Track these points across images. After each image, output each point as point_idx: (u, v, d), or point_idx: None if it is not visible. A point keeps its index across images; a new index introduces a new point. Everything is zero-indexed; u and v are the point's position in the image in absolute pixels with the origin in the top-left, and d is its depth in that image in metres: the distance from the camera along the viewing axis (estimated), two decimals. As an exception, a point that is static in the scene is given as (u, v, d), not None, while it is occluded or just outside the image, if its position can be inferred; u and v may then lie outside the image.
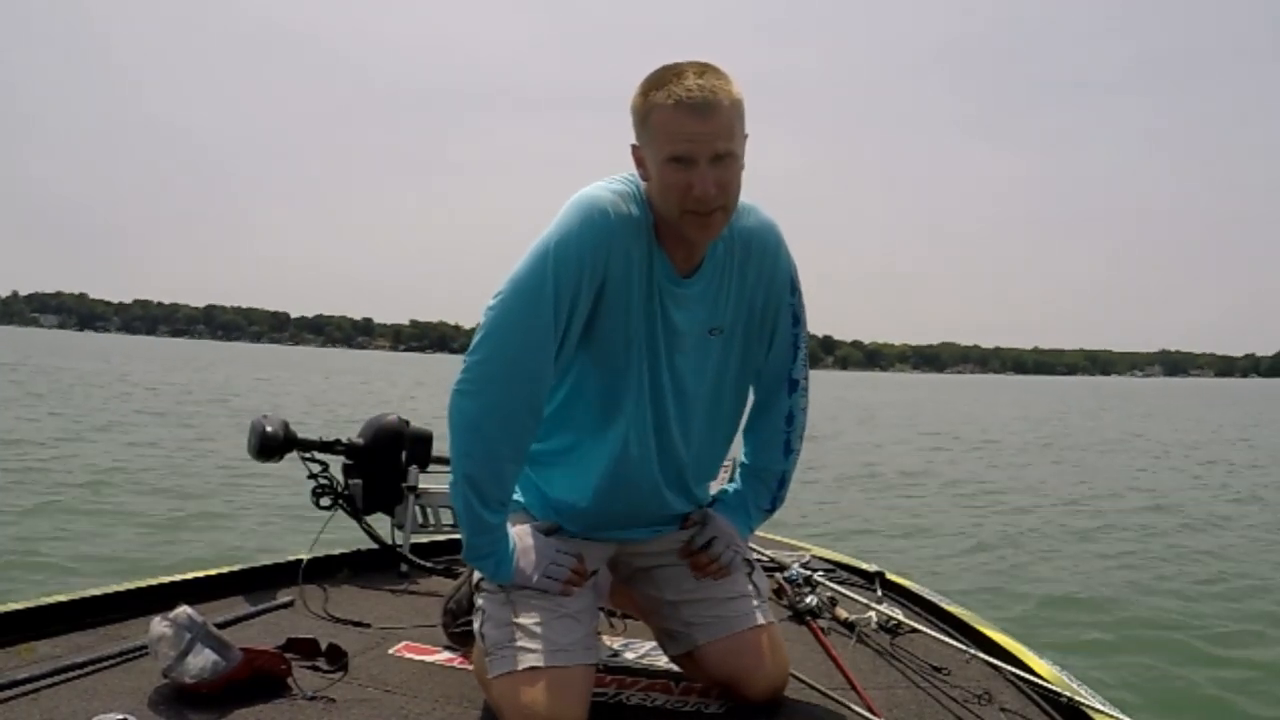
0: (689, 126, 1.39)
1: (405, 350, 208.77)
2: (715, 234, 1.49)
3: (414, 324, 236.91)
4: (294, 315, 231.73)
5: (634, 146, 1.49)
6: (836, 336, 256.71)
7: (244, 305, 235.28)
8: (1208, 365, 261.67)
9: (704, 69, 1.41)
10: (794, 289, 1.65)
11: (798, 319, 1.66)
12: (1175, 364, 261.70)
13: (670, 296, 1.53)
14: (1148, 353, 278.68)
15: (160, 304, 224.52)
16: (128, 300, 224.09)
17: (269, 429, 2.33)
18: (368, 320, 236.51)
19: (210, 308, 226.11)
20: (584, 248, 1.44)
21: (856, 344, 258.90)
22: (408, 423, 2.56)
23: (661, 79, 1.42)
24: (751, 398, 1.71)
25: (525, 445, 1.51)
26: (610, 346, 1.52)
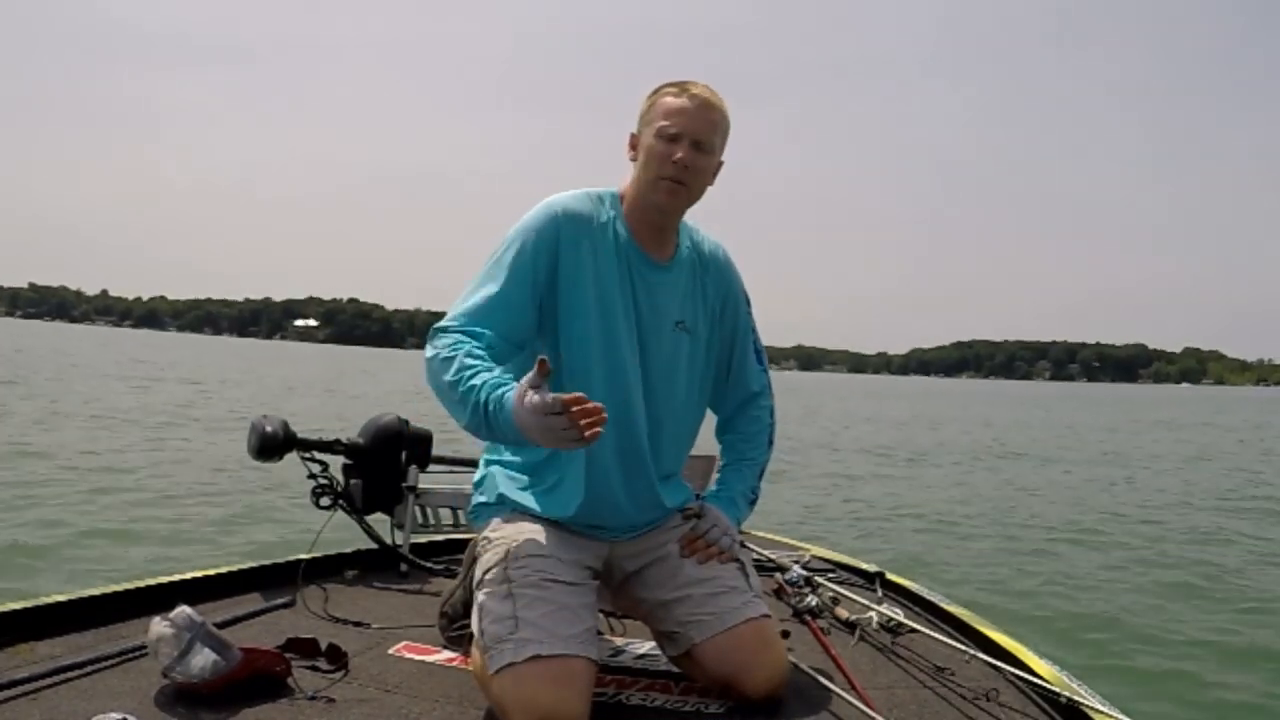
0: (684, 112, 1.65)
1: (22, 317, 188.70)
2: (677, 206, 1.69)
3: (33, 287, 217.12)
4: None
5: (631, 135, 1.72)
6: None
7: None
8: (841, 361, 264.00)
9: (710, 88, 1.68)
10: (747, 301, 1.87)
11: (753, 328, 1.89)
12: (810, 359, 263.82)
13: (643, 280, 1.69)
14: (784, 347, 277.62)
15: None
16: None
17: (269, 429, 2.31)
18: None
19: None
20: (542, 233, 1.64)
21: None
22: (407, 422, 2.55)
23: (675, 82, 1.69)
24: (729, 399, 1.89)
25: None
26: (582, 324, 1.64)
